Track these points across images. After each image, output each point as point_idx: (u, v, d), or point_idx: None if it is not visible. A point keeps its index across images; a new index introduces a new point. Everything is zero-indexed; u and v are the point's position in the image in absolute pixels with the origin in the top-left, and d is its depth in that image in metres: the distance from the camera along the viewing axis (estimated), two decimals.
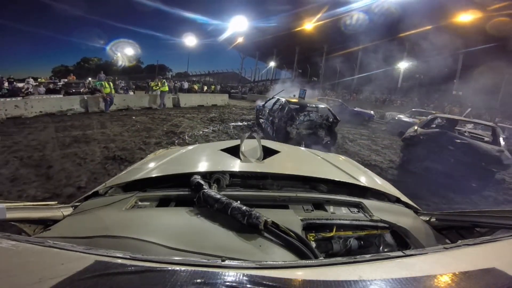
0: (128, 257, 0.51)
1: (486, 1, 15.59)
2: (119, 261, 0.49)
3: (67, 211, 0.96)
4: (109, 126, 7.30)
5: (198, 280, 0.43)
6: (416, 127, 5.83)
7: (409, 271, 0.51)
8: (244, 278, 0.44)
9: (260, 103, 9.22)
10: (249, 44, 33.17)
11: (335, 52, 26.22)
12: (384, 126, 12.59)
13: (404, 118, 11.22)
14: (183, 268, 0.47)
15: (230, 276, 0.45)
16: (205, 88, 25.47)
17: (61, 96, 12.29)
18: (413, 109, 12.98)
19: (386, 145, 8.34)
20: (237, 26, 29.68)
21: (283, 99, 6.66)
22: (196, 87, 23.98)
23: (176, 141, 6.08)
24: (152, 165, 1.40)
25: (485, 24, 16.12)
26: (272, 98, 7.58)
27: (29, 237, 0.76)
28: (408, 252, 0.61)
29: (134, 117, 8.97)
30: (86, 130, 6.67)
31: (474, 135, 5.86)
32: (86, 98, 10.34)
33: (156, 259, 0.51)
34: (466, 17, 17.25)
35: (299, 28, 25.76)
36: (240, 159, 1.39)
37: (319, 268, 0.52)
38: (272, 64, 36.01)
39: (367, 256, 0.57)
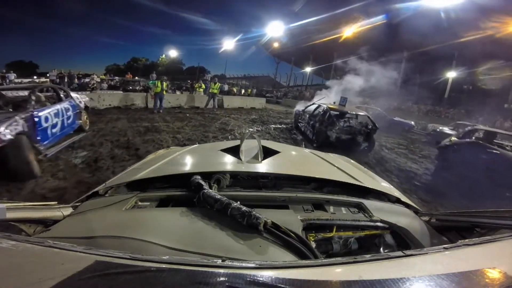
0: (128, 257, 0.51)
1: None
2: (119, 261, 0.50)
3: (67, 211, 0.97)
4: (170, 121, 8.58)
5: (198, 280, 0.43)
6: (452, 137, 6.06)
7: (409, 271, 0.52)
8: (244, 278, 0.45)
9: (299, 108, 9.88)
10: (284, 49, 33.29)
11: (375, 60, 25.61)
12: (424, 137, 12.35)
13: (446, 130, 10.97)
14: (183, 268, 0.48)
15: (230, 276, 0.45)
16: (243, 91, 26.70)
17: (122, 92, 13.78)
18: (457, 122, 12.55)
19: (424, 155, 8.36)
20: (274, 31, 30.01)
21: (325, 106, 7.25)
22: (235, 89, 25.34)
23: (230, 137, 7.07)
24: (152, 165, 1.41)
25: None
26: (313, 104, 8.20)
27: (29, 237, 0.77)
28: (408, 252, 0.61)
29: (188, 114, 10.28)
30: (152, 123, 7.98)
31: None
32: (146, 95, 12.00)
33: (156, 259, 0.52)
34: None
35: (337, 35, 25.22)
36: (241, 160, 1.41)
37: (319, 268, 0.53)
38: (308, 69, 35.94)
39: (367, 256, 0.57)
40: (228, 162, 1.40)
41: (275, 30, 29.50)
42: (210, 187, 1.04)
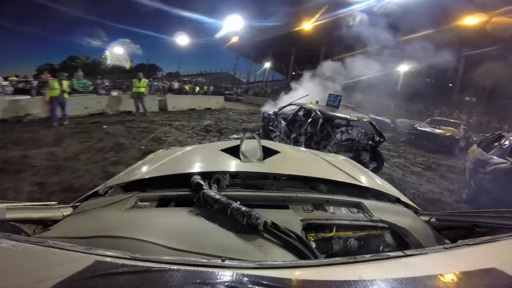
0: (128, 257, 0.51)
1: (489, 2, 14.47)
2: (119, 261, 0.49)
3: (67, 211, 0.95)
4: (65, 141, 5.31)
5: (198, 280, 0.43)
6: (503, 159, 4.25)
7: (409, 271, 0.51)
8: (244, 278, 0.44)
9: (268, 109, 7.40)
10: (244, 44, 31.25)
11: (333, 55, 24.89)
12: (401, 136, 11.11)
13: (427, 129, 9.70)
14: (183, 268, 0.47)
15: (230, 276, 0.45)
16: (197, 88, 23.60)
17: (28, 97, 9.82)
18: (434, 118, 11.61)
19: (423, 164, 6.78)
20: (232, 25, 27.96)
21: (313, 109, 4.73)
22: (187, 87, 21.98)
23: None
24: (152, 165, 1.37)
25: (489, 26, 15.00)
26: (290, 104, 5.77)
27: (29, 237, 0.76)
28: (408, 252, 0.60)
29: (105, 126, 6.97)
30: (30, 149, 4.67)
31: None
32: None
33: (156, 259, 0.51)
34: (471, 20, 16.00)
35: (296, 29, 24.06)
36: (240, 159, 1.37)
37: (319, 268, 0.52)
38: (267, 65, 34.37)
39: (367, 256, 0.56)
40: (228, 162, 1.37)
41: (233, 24, 27.36)
42: (210, 187, 1.01)
